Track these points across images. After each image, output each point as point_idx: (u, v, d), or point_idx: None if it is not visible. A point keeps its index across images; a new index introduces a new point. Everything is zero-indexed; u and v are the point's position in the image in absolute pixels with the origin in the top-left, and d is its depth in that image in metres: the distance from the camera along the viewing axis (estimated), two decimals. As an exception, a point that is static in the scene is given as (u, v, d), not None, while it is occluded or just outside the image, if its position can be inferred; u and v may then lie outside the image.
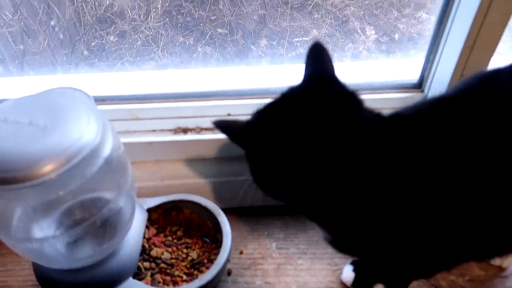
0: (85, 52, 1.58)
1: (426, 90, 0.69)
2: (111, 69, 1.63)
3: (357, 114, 0.45)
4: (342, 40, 1.83)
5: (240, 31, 1.82)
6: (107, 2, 1.70)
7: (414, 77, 0.71)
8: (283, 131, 0.44)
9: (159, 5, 1.70)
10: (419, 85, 0.70)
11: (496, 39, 0.57)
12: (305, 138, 0.43)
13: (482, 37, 0.56)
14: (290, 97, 0.48)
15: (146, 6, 1.74)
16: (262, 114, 0.49)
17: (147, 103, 0.70)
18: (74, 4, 1.63)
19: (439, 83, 0.65)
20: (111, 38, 1.70)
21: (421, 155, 0.42)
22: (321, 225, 0.50)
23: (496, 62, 0.59)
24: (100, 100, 0.71)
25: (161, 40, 1.72)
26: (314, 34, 1.81)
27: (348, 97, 0.47)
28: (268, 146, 0.45)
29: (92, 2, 1.65)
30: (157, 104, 0.70)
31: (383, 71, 0.76)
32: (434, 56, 0.65)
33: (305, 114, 0.44)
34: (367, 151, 0.42)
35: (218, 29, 1.83)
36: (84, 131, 0.47)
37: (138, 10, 1.73)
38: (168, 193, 0.68)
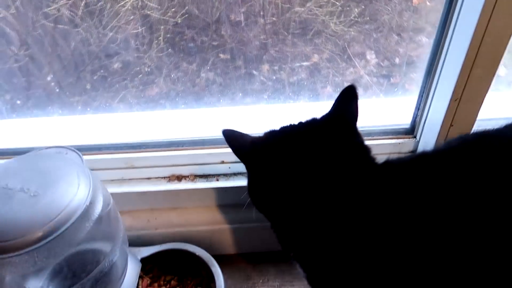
0: (88, 86, 1.61)
1: (418, 136, 0.69)
2: (114, 100, 1.65)
3: (353, 163, 0.48)
4: (342, 65, 1.84)
5: (242, 56, 1.84)
6: (110, 34, 1.73)
7: (407, 121, 0.72)
8: (282, 161, 0.48)
9: (161, 37, 1.72)
10: (411, 131, 0.70)
11: (483, 93, 0.57)
12: (299, 173, 0.47)
13: (468, 91, 0.56)
14: (303, 130, 0.52)
15: (149, 35, 1.77)
16: (270, 138, 0.52)
17: (142, 152, 0.71)
18: (79, 35, 1.66)
19: (430, 131, 0.65)
20: (115, 66, 1.73)
21: (397, 208, 0.43)
22: (296, 258, 0.51)
23: (496, 84, 0.60)
24: (96, 149, 0.72)
25: (164, 67, 1.74)
26: (316, 59, 1.82)
27: (355, 146, 0.50)
28: (266, 170, 0.49)
29: (96, 33, 1.68)
30: (152, 153, 0.71)
31: (377, 112, 0.76)
32: (424, 106, 0.65)
33: (308, 151, 0.48)
34: (346, 195, 0.45)
35: (220, 55, 1.85)
36: (75, 196, 0.48)
37: (141, 39, 1.75)
38: (162, 241, 0.69)
